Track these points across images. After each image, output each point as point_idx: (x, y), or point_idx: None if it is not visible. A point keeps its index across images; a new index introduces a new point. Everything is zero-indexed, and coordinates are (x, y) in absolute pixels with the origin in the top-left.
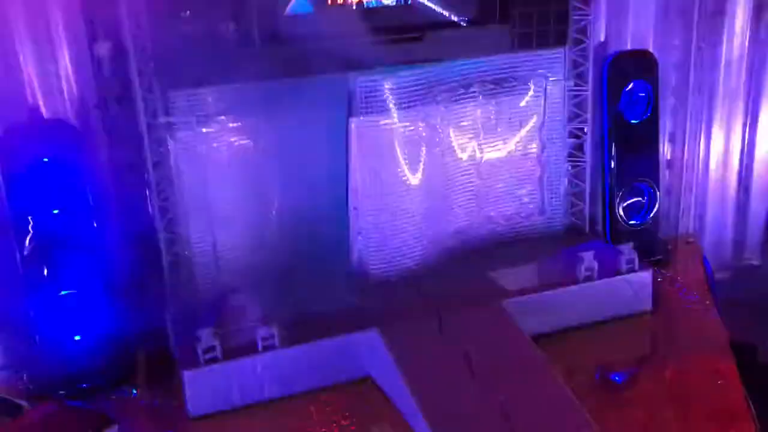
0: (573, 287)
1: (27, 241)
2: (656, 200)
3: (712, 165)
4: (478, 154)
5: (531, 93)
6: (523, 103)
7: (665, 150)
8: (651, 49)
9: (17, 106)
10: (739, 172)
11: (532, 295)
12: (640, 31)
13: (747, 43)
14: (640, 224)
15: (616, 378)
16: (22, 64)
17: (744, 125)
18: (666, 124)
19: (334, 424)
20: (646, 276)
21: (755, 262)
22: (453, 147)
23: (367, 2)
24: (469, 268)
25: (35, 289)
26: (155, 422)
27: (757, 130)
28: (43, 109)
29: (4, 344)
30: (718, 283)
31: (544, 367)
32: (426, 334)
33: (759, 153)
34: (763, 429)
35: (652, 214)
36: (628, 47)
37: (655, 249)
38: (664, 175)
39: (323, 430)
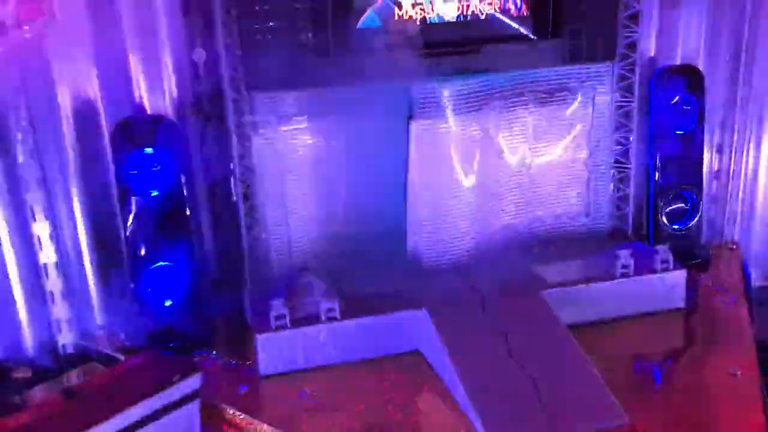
0: (609, 282)
1: (130, 219)
2: (699, 207)
3: (761, 175)
4: (528, 158)
5: (578, 103)
6: (569, 112)
7: (713, 160)
8: (700, 65)
9: (127, 104)
10: None
11: (570, 287)
12: (689, 48)
13: None
14: (683, 229)
15: (655, 372)
16: (132, 68)
17: None
18: (714, 136)
19: (386, 391)
20: (679, 275)
21: None
22: (504, 151)
23: (429, 18)
24: (515, 260)
25: (135, 261)
26: (230, 379)
27: None
28: (147, 107)
29: (106, 307)
30: (764, 289)
31: (576, 353)
32: (470, 316)
33: None
34: None
35: (694, 221)
36: (678, 62)
37: (696, 253)
38: (711, 184)
39: (376, 395)
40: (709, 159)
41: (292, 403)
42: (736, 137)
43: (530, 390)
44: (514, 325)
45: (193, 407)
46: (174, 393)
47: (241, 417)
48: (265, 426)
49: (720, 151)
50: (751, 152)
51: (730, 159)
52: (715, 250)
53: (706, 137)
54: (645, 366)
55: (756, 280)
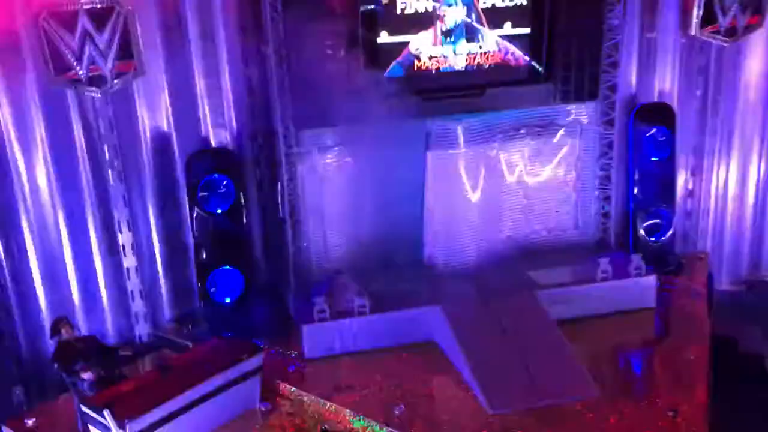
0: (591, 285)
1: (196, 232)
2: (672, 223)
3: (729, 194)
4: (526, 179)
5: (562, 134)
6: (555, 140)
7: (687, 181)
8: (674, 101)
9: (196, 138)
10: (755, 200)
11: (558, 288)
12: (665, 87)
13: (759, 94)
14: (658, 241)
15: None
16: (200, 109)
17: (759, 161)
18: (689, 160)
19: (407, 371)
20: (650, 280)
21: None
22: (505, 175)
23: (443, 68)
24: (514, 266)
25: (201, 266)
26: (280, 362)
27: None
28: (212, 140)
29: (174, 304)
30: (733, 294)
31: (559, 339)
32: (475, 310)
33: None
34: (722, 401)
35: (668, 234)
36: (654, 99)
37: (669, 262)
38: (686, 201)
39: (398, 375)
40: (684, 180)
41: (331, 380)
42: (706, 161)
43: (521, 368)
44: (511, 317)
45: (256, 381)
46: (242, 368)
47: (291, 390)
48: (312, 397)
49: (694, 173)
50: (721, 174)
51: (701, 180)
52: (687, 259)
53: (682, 161)
54: (619, 352)
55: (723, 285)
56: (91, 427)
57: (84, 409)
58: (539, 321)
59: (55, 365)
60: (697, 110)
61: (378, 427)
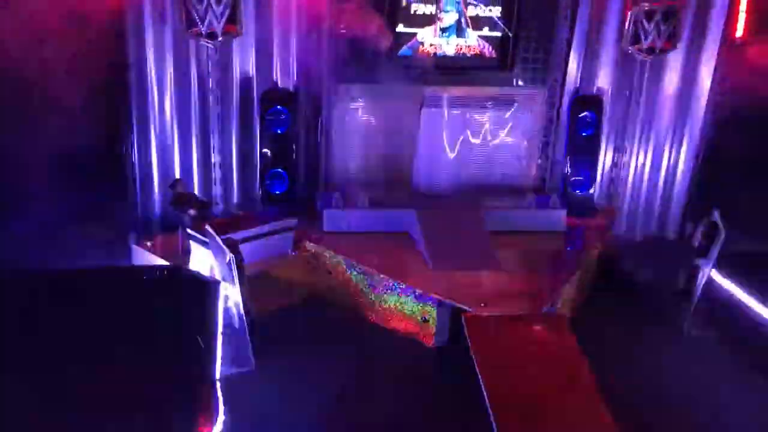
0: (520, 210)
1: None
2: (592, 181)
3: (646, 168)
4: (488, 138)
5: (516, 107)
6: (510, 113)
7: (615, 155)
8: (608, 93)
9: (269, 80)
10: (665, 174)
11: (497, 210)
12: (602, 83)
13: (672, 97)
14: (583, 193)
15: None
16: (275, 62)
17: (671, 146)
18: (615, 140)
19: (391, 240)
20: (562, 212)
21: (671, 236)
22: (476, 133)
23: (438, 53)
24: (472, 195)
25: (263, 167)
26: (308, 231)
27: (682, 144)
28: (279, 83)
29: (244, 193)
30: (638, 243)
31: (486, 236)
32: (436, 216)
33: (681, 159)
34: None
35: (590, 190)
36: (593, 92)
37: (587, 208)
38: (612, 170)
39: (385, 247)
40: (611, 155)
41: (340, 242)
42: (628, 143)
43: (456, 250)
44: (459, 221)
45: (290, 235)
46: (283, 224)
47: (311, 246)
48: (323, 250)
49: (617, 150)
50: (641, 153)
51: (624, 156)
52: (604, 210)
53: (610, 139)
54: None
55: (637, 237)
56: (193, 245)
57: (191, 232)
58: (476, 224)
59: (172, 206)
60: (624, 104)
61: (357, 271)
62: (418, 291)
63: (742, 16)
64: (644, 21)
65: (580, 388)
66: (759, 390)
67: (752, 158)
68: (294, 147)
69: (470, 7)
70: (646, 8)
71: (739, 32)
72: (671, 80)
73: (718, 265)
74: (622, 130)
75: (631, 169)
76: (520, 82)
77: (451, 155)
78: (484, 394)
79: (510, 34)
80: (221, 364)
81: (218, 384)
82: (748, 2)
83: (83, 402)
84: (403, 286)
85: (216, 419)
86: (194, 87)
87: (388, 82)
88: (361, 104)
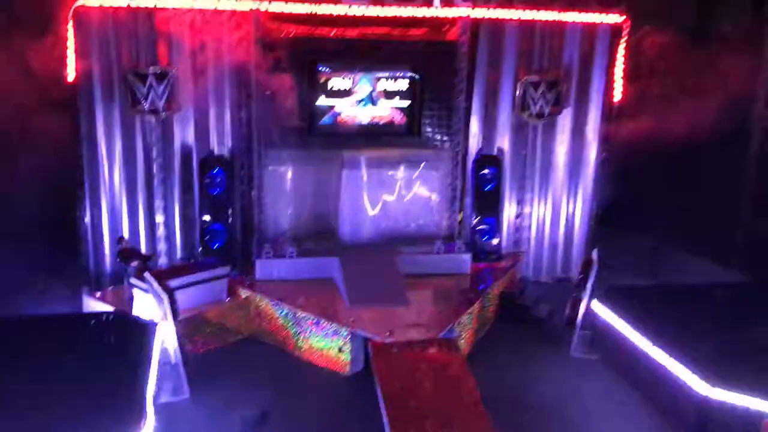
0: (431, 255)
1: (199, 205)
2: (497, 230)
3: (548, 217)
4: (403, 193)
5: (424, 166)
6: (419, 171)
7: (517, 207)
8: (507, 148)
9: (206, 148)
10: (566, 222)
11: (414, 256)
12: (502, 143)
13: (564, 154)
14: (488, 239)
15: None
16: (210, 131)
17: (567, 196)
18: (515, 192)
19: (314, 291)
20: (467, 257)
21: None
22: (391, 189)
23: (355, 122)
24: (392, 244)
25: (202, 224)
26: (242, 279)
27: (578, 195)
28: (216, 151)
29: (184, 248)
30: (544, 284)
31: (400, 277)
32: (356, 262)
33: (578, 207)
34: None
35: (495, 238)
36: (494, 152)
37: (493, 253)
38: (515, 221)
39: (310, 292)
40: (515, 207)
41: (270, 288)
42: (529, 195)
43: (371, 291)
44: (376, 265)
45: (224, 282)
46: (217, 272)
47: (245, 291)
48: (259, 295)
49: (519, 202)
50: (542, 204)
51: (526, 206)
52: (508, 256)
53: (512, 193)
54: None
55: (543, 278)
56: (136, 293)
57: (134, 282)
58: (391, 268)
59: (118, 258)
60: (523, 162)
61: (283, 312)
62: (335, 325)
63: (619, 84)
64: (532, 90)
65: (466, 400)
66: (625, 402)
67: (636, 205)
68: (230, 206)
69: (381, 82)
70: (533, 80)
71: (617, 97)
72: (562, 140)
73: (606, 297)
74: (522, 185)
75: (534, 219)
76: (428, 145)
77: (371, 210)
78: (383, 407)
79: (416, 104)
80: (160, 393)
81: (152, 409)
82: (623, 73)
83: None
84: (323, 322)
85: None
86: (140, 156)
87: (312, 147)
88: (290, 167)
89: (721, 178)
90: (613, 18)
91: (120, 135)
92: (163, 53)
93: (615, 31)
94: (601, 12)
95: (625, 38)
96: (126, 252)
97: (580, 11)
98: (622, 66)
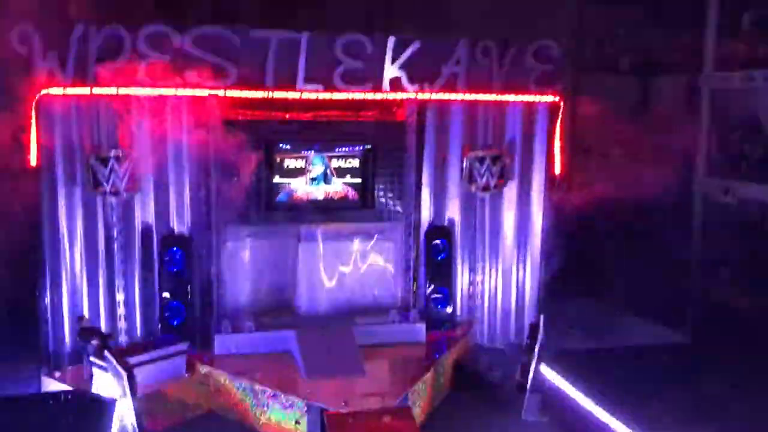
0: (385, 325)
1: (159, 282)
2: (451, 298)
3: (499, 285)
4: (359, 264)
5: (377, 238)
6: (372, 243)
7: (470, 275)
8: (457, 219)
9: (167, 226)
10: (516, 289)
11: (366, 326)
12: (453, 215)
13: (512, 223)
14: (442, 308)
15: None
16: (170, 209)
17: (517, 264)
18: (466, 260)
19: (272, 364)
20: (421, 326)
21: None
22: (346, 261)
23: (310, 198)
24: (348, 315)
25: (161, 301)
26: (201, 354)
27: (527, 263)
28: (176, 229)
29: (144, 325)
30: (498, 350)
31: (355, 348)
32: (312, 334)
33: (528, 275)
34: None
35: (449, 307)
36: (444, 222)
37: (447, 321)
38: (469, 288)
39: (269, 365)
40: (468, 276)
41: (229, 363)
42: (480, 263)
43: (327, 363)
44: (333, 337)
45: (183, 358)
46: (176, 349)
47: (204, 367)
48: (218, 370)
49: (472, 270)
50: (493, 272)
51: (477, 274)
52: (464, 322)
53: (463, 262)
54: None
55: (497, 344)
56: (95, 371)
57: (94, 360)
58: (347, 339)
59: (78, 338)
60: (473, 232)
61: (242, 386)
62: (292, 398)
63: (558, 158)
64: (478, 165)
65: None
66: None
67: (585, 270)
68: (189, 283)
69: (334, 161)
70: (478, 155)
71: (557, 170)
72: (509, 211)
73: (554, 360)
74: (473, 254)
75: (486, 287)
76: (381, 217)
77: (327, 282)
78: None
79: (369, 180)
80: None
81: None
82: (560, 149)
83: None
84: (280, 395)
85: None
86: (101, 236)
87: (269, 223)
88: (248, 243)
89: (669, 244)
90: (549, 98)
91: (81, 216)
92: (125, 136)
93: (552, 109)
94: (537, 93)
95: (561, 116)
96: (86, 331)
97: (518, 93)
98: (559, 141)
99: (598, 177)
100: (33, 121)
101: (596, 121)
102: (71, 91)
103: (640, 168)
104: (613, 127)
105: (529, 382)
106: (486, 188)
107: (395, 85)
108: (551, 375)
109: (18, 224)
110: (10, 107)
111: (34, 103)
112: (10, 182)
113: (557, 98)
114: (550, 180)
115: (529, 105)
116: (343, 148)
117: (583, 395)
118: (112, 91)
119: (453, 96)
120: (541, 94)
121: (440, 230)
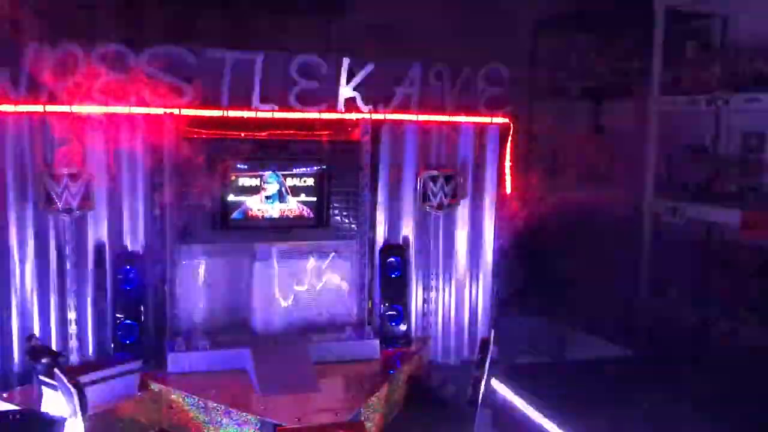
0: (339, 342)
1: (112, 300)
2: (405, 315)
3: (453, 302)
4: (314, 282)
5: (333, 256)
6: (328, 261)
7: (424, 293)
8: (411, 237)
9: (120, 245)
10: (469, 306)
11: (321, 343)
12: (407, 233)
13: (466, 242)
14: (397, 325)
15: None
16: (124, 226)
17: (470, 283)
18: (422, 281)
19: (227, 381)
20: (375, 342)
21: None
22: (302, 279)
23: (265, 216)
24: (303, 333)
25: (117, 322)
26: (152, 373)
27: (479, 280)
28: (129, 247)
29: (97, 344)
30: (452, 366)
31: (310, 364)
32: (266, 351)
33: (480, 292)
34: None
35: (402, 323)
36: (399, 241)
37: (402, 338)
38: (423, 306)
39: (223, 382)
40: (422, 293)
41: (182, 381)
42: (434, 281)
43: (281, 379)
44: (286, 354)
45: (135, 377)
46: (128, 367)
47: (155, 386)
48: (170, 388)
49: (425, 288)
50: (446, 290)
51: (431, 292)
52: (418, 339)
53: (418, 279)
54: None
55: (452, 361)
56: (45, 390)
57: (43, 379)
58: (301, 356)
59: (28, 357)
60: (426, 250)
61: (195, 404)
62: (245, 414)
63: (508, 179)
64: (431, 184)
65: None
66: None
67: (533, 289)
68: (142, 301)
69: (289, 179)
70: (431, 174)
71: (508, 190)
72: (462, 229)
73: (504, 375)
74: (427, 272)
75: (440, 304)
76: (337, 235)
77: (282, 301)
78: None
79: (324, 198)
80: None
81: None
82: (511, 168)
83: None
84: (233, 412)
85: None
86: (52, 254)
87: (223, 241)
88: (202, 261)
89: (619, 262)
90: (500, 119)
91: (33, 234)
92: (78, 154)
93: (503, 130)
94: (488, 115)
95: (511, 137)
96: (36, 349)
97: (469, 114)
98: (510, 162)
99: (550, 197)
100: None
101: (549, 143)
102: (23, 108)
103: (592, 188)
104: (565, 148)
105: (480, 396)
106: (440, 207)
107: (350, 105)
108: (502, 389)
109: None
110: None
111: None
112: None
113: (507, 120)
114: (501, 199)
115: (481, 126)
116: (299, 168)
117: (533, 409)
118: (65, 108)
119: (407, 116)
120: (492, 115)
121: (395, 248)
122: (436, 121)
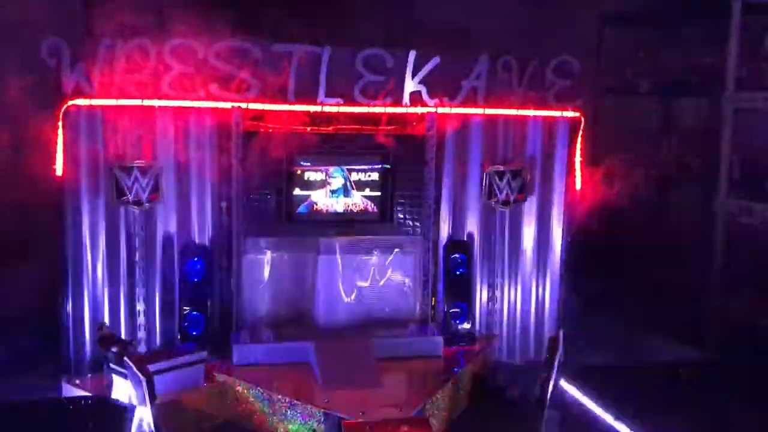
0: (404, 338)
1: (179, 291)
2: (468, 313)
3: (518, 301)
4: (377, 278)
5: (397, 252)
6: (392, 257)
7: (488, 291)
8: (477, 238)
9: (187, 236)
10: (536, 306)
11: (387, 339)
12: (472, 230)
13: (531, 240)
14: (461, 323)
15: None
16: (192, 220)
17: (537, 281)
18: (485, 275)
19: (295, 374)
20: (439, 340)
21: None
22: (365, 274)
23: (330, 210)
24: (367, 328)
25: (182, 313)
26: (218, 364)
27: (546, 278)
28: (196, 239)
29: (164, 335)
30: (518, 366)
31: (373, 359)
32: (332, 347)
33: (547, 290)
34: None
35: (466, 321)
36: (464, 237)
37: (466, 336)
38: (487, 304)
39: (290, 376)
40: (486, 291)
41: (247, 373)
42: (499, 279)
43: (347, 375)
44: (352, 349)
45: (201, 367)
46: (194, 357)
47: (222, 376)
48: (235, 380)
49: (490, 286)
50: (512, 287)
51: (496, 290)
52: (483, 337)
53: (482, 277)
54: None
55: (518, 361)
56: (115, 378)
57: (113, 366)
58: (365, 351)
59: (98, 345)
60: (491, 247)
61: (259, 396)
62: (309, 407)
63: (578, 173)
64: (497, 179)
65: None
66: None
67: (607, 286)
68: (209, 293)
69: (353, 173)
70: (498, 170)
71: (578, 186)
72: (529, 226)
73: (575, 376)
74: (492, 269)
75: (505, 302)
76: (400, 231)
77: (345, 296)
78: None
79: (388, 193)
80: None
81: None
82: (581, 164)
83: None
84: (297, 404)
85: None
86: (123, 246)
87: (288, 235)
88: (267, 254)
89: (691, 262)
90: (570, 113)
91: (104, 226)
92: (148, 147)
93: (573, 124)
94: (557, 108)
95: (582, 131)
96: (106, 338)
97: (538, 108)
98: (580, 157)
99: (620, 195)
100: (60, 131)
101: (618, 140)
102: (97, 102)
103: (663, 187)
104: (634, 146)
105: (548, 397)
106: (506, 203)
107: (415, 99)
108: (571, 390)
109: (47, 235)
110: (39, 118)
111: (61, 114)
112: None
113: (578, 114)
114: (570, 195)
115: (549, 120)
116: (363, 163)
117: (603, 411)
118: (136, 102)
119: (473, 110)
120: (562, 109)
121: (459, 245)
122: (503, 115)
